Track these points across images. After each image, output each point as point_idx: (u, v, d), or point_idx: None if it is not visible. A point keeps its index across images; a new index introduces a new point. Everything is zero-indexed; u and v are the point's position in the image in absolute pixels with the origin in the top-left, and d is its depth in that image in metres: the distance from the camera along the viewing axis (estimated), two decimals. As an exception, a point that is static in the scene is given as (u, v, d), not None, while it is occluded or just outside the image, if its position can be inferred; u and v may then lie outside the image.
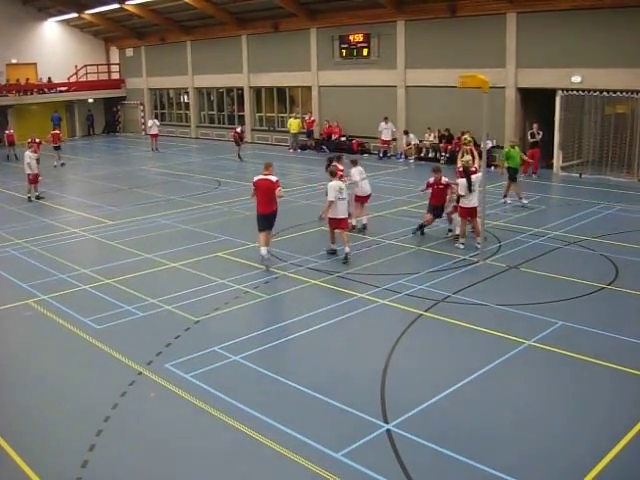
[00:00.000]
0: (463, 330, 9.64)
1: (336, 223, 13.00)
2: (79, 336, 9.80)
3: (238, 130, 28.82)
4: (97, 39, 42.67)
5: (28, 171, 20.28)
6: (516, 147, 18.23)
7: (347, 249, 12.88)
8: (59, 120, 37.23)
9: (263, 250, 12.51)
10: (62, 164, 28.27)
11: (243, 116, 34.63)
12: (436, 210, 14.56)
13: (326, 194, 13.09)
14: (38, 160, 20.79)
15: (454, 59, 24.00)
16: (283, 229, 15.55)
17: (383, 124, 27.17)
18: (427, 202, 14.94)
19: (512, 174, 17.60)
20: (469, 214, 13.52)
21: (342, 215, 12.97)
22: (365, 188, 15.15)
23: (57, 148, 28.39)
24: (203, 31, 35.21)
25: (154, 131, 32.26)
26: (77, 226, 16.92)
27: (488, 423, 7.22)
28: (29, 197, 20.60)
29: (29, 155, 20.39)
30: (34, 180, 20.46)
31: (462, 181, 13.51)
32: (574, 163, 22.45)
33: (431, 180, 14.43)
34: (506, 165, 17.81)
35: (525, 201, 17.39)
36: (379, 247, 14.05)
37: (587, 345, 8.96)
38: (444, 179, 14.40)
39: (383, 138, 27.34)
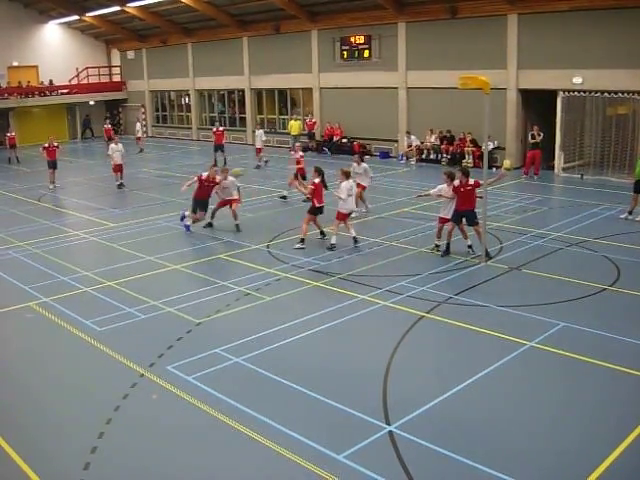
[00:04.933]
0: (465, 332, 9.64)
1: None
2: (81, 338, 9.80)
3: (221, 129, 27.86)
4: (98, 41, 42.72)
5: (114, 161, 22.58)
6: None
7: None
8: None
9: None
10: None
11: (244, 118, 34.72)
12: (464, 215, 13.06)
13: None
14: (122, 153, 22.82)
15: (455, 60, 24.00)
16: (284, 231, 15.58)
17: (258, 131, 26.81)
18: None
19: (636, 186, 15.85)
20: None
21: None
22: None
23: (109, 139, 31.46)
24: (204, 33, 35.27)
25: (139, 134, 33.61)
26: (79, 228, 16.94)
27: (490, 425, 7.21)
28: (119, 183, 22.86)
29: (112, 147, 22.73)
30: (117, 169, 22.63)
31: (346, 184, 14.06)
32: (575, 164, 22.46)
33: (457, 183, 13.01)
34: None
35: None
36: (381, 249, 14.04)
37: (589, 346, 8.94)
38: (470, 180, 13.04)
39: (257, 146, 26.56)
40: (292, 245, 14.30)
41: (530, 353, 8.85)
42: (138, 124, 34.94)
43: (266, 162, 26.83)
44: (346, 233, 14.19)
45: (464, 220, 13.14)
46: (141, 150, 32.92)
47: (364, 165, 16.96)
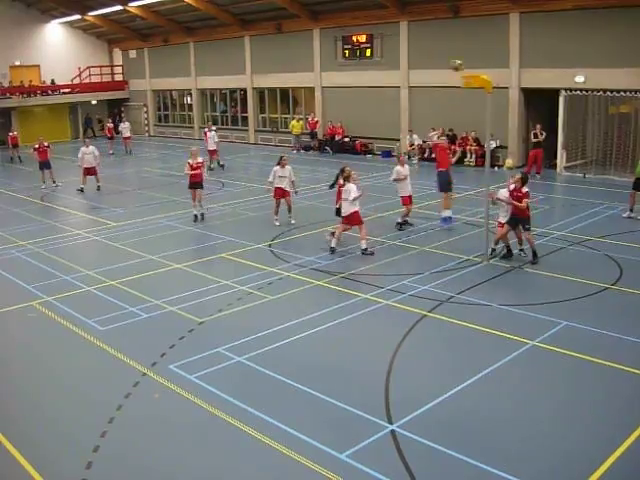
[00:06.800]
0: (467, 330, 9.64)
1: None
2: (83, 337, 9.82)
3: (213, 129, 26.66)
4: (100, 41, 42.75)
5: (83, 164, 22.05)
6: None
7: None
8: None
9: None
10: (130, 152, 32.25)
11: (247, 117, 34.75)
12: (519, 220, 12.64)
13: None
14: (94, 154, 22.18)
15: (457, 59, 23.91)
16: (287, 230, 15.58)
17: (211, 132, 25.41)
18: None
19: (636, 183, 15.91)
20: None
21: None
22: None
23: (111, 138, 33.05)
24: (206, 32, 35.27)
25: (127, 134, 32.55)
26: (81, 228, 16.95)
27: (492, 424, 7.21)
28: (81, 188, 22.20)
29: (82, 150, 22.01)
30: (87, 173, 21.98)
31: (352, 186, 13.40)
32: (578, 163, 22.44)
33: (512, 187, 12.62)
34: None
35: None
36: (383, 248, 14.04)
37: (591, 345, 8.94)
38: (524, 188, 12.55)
39: (209, 148, 25.28)
40: (293, 244, 14.32)
41: (532, 352, 8.85)
42: (127, 123, 33.82)
43: (222, 165, 25.82)
44: (356, 234, 14.06)
45: (519, 225, 12.72)
46: (129, 152, 32.16)
47: (288, 168, 15.75)
